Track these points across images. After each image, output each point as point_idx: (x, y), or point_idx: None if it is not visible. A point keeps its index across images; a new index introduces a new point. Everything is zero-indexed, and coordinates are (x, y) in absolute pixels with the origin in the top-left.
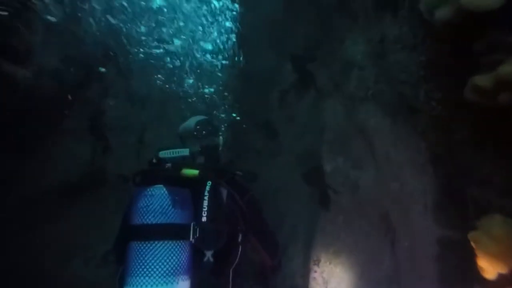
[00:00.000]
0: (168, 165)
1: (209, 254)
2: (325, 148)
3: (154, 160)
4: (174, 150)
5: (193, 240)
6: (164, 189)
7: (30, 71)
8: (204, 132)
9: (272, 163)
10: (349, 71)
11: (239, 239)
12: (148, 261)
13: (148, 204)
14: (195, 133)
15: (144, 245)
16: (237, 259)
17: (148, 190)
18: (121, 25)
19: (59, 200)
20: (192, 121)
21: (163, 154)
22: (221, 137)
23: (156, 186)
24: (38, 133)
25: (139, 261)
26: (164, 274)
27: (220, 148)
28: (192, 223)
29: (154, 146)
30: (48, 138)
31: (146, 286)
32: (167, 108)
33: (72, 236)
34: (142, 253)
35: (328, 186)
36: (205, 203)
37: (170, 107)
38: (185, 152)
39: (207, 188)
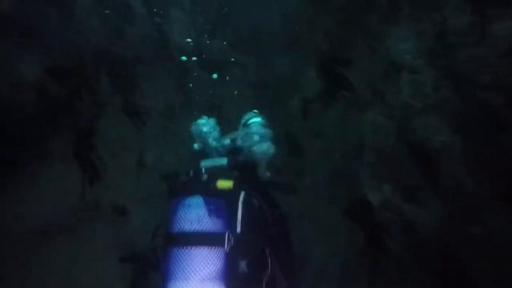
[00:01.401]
0: (205, 176)
1: (243, 264)
2: (366, 172)
3: (192, 173)
4: (214, 160)
5: (227, 248)
6: (201, 199)
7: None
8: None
9: (295, 183)
10: (395, 74)
11: (267, 252)
12: (186, 266)
13: (186, 213)
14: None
15: (182, 251)
16: (268, 270)
17: (186, 200)
18: (119, 24)
19: (40, 242)
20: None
21: (204, 163)
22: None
23: (193, 196)
24: (17, 158)
25: (178, 266)
26: (201, 279)
27: (264, 165)
28: (226, 232)
29: (157, 170)
30: (30, 164)
31: None
32: (173, 121)
33: None
34: (180, 258)
35: (376, 224)
36: (239, 213)
37: (176, 121)
38: (223, 161)
39: (241, 199)
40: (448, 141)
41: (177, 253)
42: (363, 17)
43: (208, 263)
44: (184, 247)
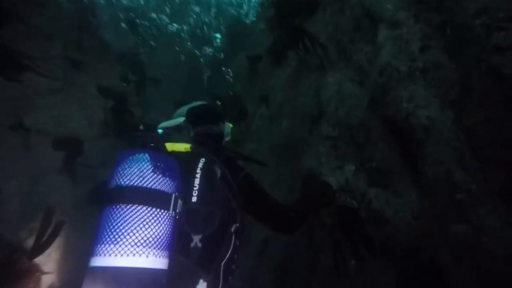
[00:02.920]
0: (158, 133)
1: (196, 239)
2: (324, 148)
3: (141, 127)
4: (171, 120)
5: (173, 213)
6: (147, 155)
7: None
8: (197, 118)
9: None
10: (369, 29)
11: (232, 229)
12: (116, 227)
13: (126, 167)
14: (185, 119)
15: (114, 208)
16: (229, 252)
17: (130, 154)
18: None
19: None
20: (185, 108)
21: (162, 124)
22: (223, 125)
23: (139, 150)
24: None
25: (108, 227)
26: (132, 244)
27: (226, 138)
28: (174, 193)
29: None
30: None
31: (111, 255)
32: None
33: None
34: (111, 217)
35: (333, 210)
36: (197, 181)
37: None
38: (180, 120)
39: (200, 165)
40: (436, 117)
41: (109, 211)
42: None
43: (145, 225)
44: (117, 205)
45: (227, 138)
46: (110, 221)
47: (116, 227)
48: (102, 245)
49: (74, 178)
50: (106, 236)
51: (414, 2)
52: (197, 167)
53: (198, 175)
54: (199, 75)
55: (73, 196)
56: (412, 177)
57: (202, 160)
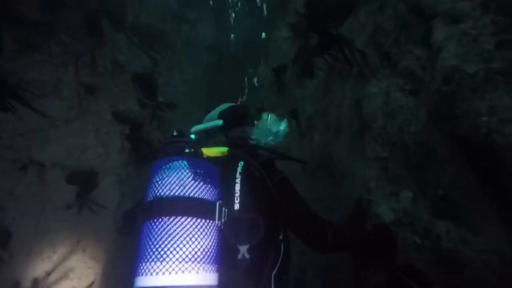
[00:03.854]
0: (193, 138)
1: (243, 250)
2: (373, 171)
3: (175, 133)
4: (206, 123)
5: (219, 223)
6: (185, 162)
7: None
8: (232, 120)
9: None
10: (419, 28)
11: (281, 237)
12: (160, 242)
13: (164, 177)
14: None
15: (156, 222)
16: (279, 261)
17: (166, 162)
18: None
19: None
20: (215, 112)
21: (194, 128)
22: (254, 127)
23: (175, 158)
24: None
25: (151, 243)
26: (180, 259)
27: (264, 142)
28: (218, 201)
29: None
30: None
31: (158, 273)
32: None
33: None
34: (153, 233)
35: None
36: (237, 187)
37: None
38: (216, 123)
39: (239, 169)
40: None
41: (150, 226)
42: None
43: (191, 238)
44: (159, 218)
45: (280, 138)
46: (153, 236)
47: (160, 242)
48: (147, 263)
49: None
50: (151, 253)
51: None
52: (237, 172)
53: (238, 180)
54: (220, 88)
55: (92, 233)
56: (496, 210)
57: (241, 164)
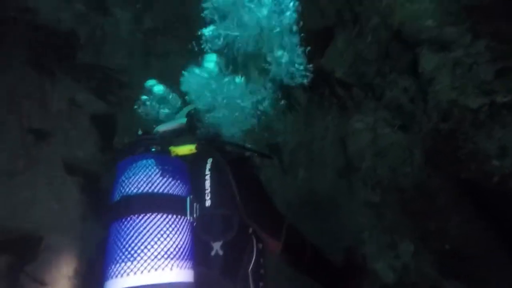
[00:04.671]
0: (158, 136)
1: (217, 247)
2: (365, 219)
3: (140, 132)
4: (169, 122)
5: (191, 218)
6: (152, 160)
7: None
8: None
9: None
10: (404, 56)
11: (250, 231)
12: (130, 242)
13: (131, 175)
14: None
15: (124, 222)
16: (253, 257)
17: (132, 161)
18: None
19: None
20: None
21: (159, 127)
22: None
23: (142, 156)
24: None
25: (120, 243)
26: (153, 257)
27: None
28: (188, 197)
29: None
30: None
31: (129, 274)
32: None
33: None
34: (122, 232)
35: None
36: (207, 183)
37: None
38: (182, 121)
39: (208, 166)
40: None
41: (119, 225)
42: None
43: (163, 235)
44: (128, 217)
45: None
46: (122, 236)
47: (130, 241)
48: (117, 265)
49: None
50: (120, 254)
51: (465, 10)
52: (206, 168)
53: (207, 177)
54: None
55: None
56: None
57: (210, 161)
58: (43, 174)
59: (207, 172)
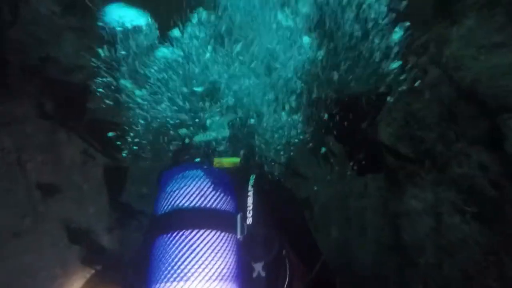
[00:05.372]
0: (202, 148)
1: (259, 268)
2: None
3: (187, 141)
4: (212, 133)
5: (241, 237)
6: (200, 171)
7: None
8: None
9: None
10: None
11: (284, 253)
12: (183, 259)
13: (181, 186)
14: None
15: (176, 237)
16: (287, 276)
17: (180, 171)
18: None
19: None
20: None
21: (199, 137)
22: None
23: (190, 166)
24: None
25: (169, 259)
26: (207, 278)
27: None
28: (239, 214)
29: None
30: None
31: None
32: None
33: None
34: (173, 248)
35: None
36: (250, 200)
37: None
38: (225, 133)
39: (251, 182)
40: None
41: (169, 240)
42: None
43: (217, 255)
44: (179, 232)
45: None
46: (172, 252)
47: (182, 259)
48: (166, 283)
49: None
50: (171, 272)
51: None
52: (248, 185)
53: (250, 193)
54: None
55: None
56: None
57: (253, 177)
58: (49, 234)
59: (250, 188)
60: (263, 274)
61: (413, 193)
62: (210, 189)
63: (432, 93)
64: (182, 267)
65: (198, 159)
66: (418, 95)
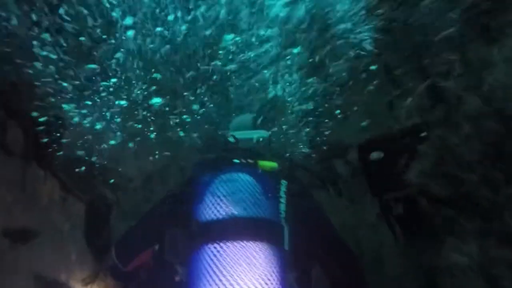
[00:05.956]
0: (240, 148)
1: (291, 278)
2: None
3: (232, 139)
4: (249, 132)
5: (288, 248)
6: (249, 175)
7: None
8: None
9: None
10: None
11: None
12: (239, 271)
13: (233, 191)
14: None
15: (230, 246)
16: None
17: (228, 175)
18: None
19: None
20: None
21: (238, 134)
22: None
23: (234, 169)
24: None
25: (224, 270)
26: None
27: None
28: (287, 227)
29: None
30: None
31: None
32: None
33: None
34: (227, 259)
35: None
36: (282, 207)
37: None
38: (264, 134)
39: (283, 188)
40: None
41: (215, 252)
42: None
43: (273, 269)
44: (226, 243)
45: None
46: (227, 263)
47: (239, 271)
48: None
49: None
50: (226, 284)
51: None
52: (280, 190)
53: (282, 200)
54: None
55: None
56: None
57: (284, 183)
58: None
59: (282, 195)
60: (295, 286)
61: (453, 245)
62: (263, 197)
63: (472, 127)
64: (238, 280)
65: (242, 161)
66: (455, 129)
